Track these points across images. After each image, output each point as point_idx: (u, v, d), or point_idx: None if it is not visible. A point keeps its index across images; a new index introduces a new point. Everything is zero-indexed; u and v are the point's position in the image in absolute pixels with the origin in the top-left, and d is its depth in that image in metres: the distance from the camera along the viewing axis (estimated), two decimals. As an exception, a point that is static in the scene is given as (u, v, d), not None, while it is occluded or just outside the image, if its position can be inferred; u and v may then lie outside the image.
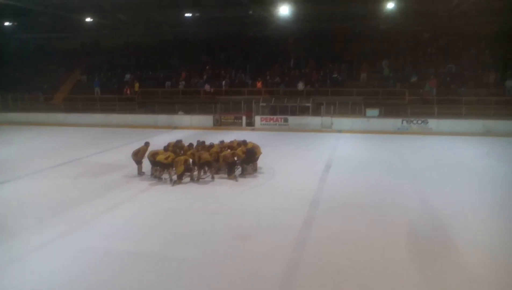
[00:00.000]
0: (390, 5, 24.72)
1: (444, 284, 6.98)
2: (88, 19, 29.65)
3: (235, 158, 13.88)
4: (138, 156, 14.03)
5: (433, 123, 23.72)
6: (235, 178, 13.53)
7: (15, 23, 34.11)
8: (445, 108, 24.65)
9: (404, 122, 24.08)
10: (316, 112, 26.46)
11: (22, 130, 27.38)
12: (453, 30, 29.31)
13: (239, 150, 14.05)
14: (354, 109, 26.15)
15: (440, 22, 29.01)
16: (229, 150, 14.28)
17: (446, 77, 27.20)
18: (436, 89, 26.23)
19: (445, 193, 11.90)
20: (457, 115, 24.10)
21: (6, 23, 33.80)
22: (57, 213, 10.53)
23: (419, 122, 23.86)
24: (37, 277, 7.26)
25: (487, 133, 22.32)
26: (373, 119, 24.93)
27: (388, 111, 25.56)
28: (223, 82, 30.33)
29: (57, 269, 7.53)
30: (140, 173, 14.13)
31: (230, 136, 18.58)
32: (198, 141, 15.14)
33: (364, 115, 25.49)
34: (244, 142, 14.76)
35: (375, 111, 25.43)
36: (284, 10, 25.40)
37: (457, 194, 11.91)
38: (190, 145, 14.95)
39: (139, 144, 14.78)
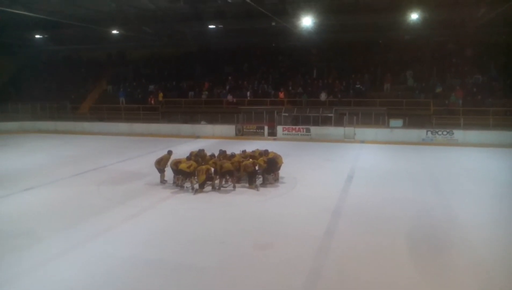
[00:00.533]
0: (414, 16, 24.46)
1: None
2: (114, 31, 30.38)
3: (256, 168, 13.88)
4: (161, 164, 14.18)
5: (459, 134, 23.21)
6: (256, 187, 13.51)
7: (45, 36, 35.24)
8: (471, 119, 24.13)
9: (429, 133, 23.64)
10: (339, 122, 26.28)
11: (49, 138, 28.13)
12: (479, 40, 28.77)
13: (260, 160, 14.05)
14: (378, 119, 25.86)
15: (466, 32, 28.51)
16: (250, 160, 14.29)
17: (473, 88, 26.66)
18: (462, 100, 25.72)
19: (470, 206, 11.57)
20: (484, 126, 23.53)
21: (36, 36, 34.95)
22: (80, 219, 10.71)
23: (444, 133, 23.39)
24: (60, 283, 7.36)
25: (516, 145, 21.70)
26: (396, 130, 24.59)
27: (412, 121, 25.18)
28: (248, 93, 30.46)
29: (79, 275, 7.62)
30: (163, 181, 14.26)
31: (252, 145, 18.60)
32: (220, 151, 15.20)
33: (388, 126, 25.16)
34: (265, 152, 14.76)
35: (399, 122, 25.07)
36: (306, 22, 25.44)
37: (483, 207, 11.57)
38: (212, 155, 15.00)
39: (162, 152, 14.92)
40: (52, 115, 33.66)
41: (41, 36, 35.30)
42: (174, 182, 13.93)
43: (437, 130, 23.61)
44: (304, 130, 26.20)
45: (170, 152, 14.48)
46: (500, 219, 10.61)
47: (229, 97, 30.50)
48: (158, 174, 14.30)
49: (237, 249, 8.76)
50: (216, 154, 14.99)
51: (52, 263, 8.14)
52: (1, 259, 8.33)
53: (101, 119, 31.69)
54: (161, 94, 32.38)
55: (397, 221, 10.39)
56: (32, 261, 8.22)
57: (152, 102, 32.15)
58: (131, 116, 31.58)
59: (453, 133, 23.27)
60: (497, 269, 7.78)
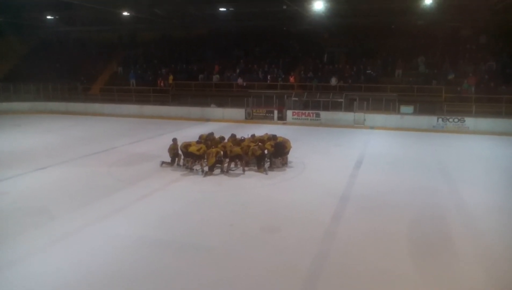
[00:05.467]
0: (428, 1, 24.04)
1: (473, 281, 6.85)
2: (125, 13, 30.30)
3: (265, 151, 13.97)
4: (171, 153, 14.27)
5: (470, 121, 23.00)
6: (264, 171, 13.62)
7: (56, 17, 35.26)
8: (483, 106, 23.84)
9: (440, 120, 23.46)
10: (349, 108, 26.16)
11: (61, 119, 28.44)
12: (494, 27, 28.22)
13: (267, 144, 14.15)
14: (388, 105, 25.65)
15: (480, 18, 27.98)
16: (259, 144, 14.38)
17: (486, 75, 26.30)
18: (475, 87, 25.41)
19: (479, 194, 11.56)
20: (496, 114, 23.25)
21: (48, 17, 34.99)
22: (92, 199, 10.93)
23: (456, 120, 23.19)
24: (72, 260, 7.59)
25: (527, 133, 21.47)
26: (407, 116, 24.42)
27: (423, 108, 24.94)
28: (268, 77, 30.22)
29: (90, 253, 7.84)
30: (178, 164, 14.33)
31: (261, 130, 18.66)
32: (232, 135, 15.27)
33: (398, 112, 25.00)
34: (274, 137, 14.82)
35: (410, 108, 24.87)
36: (318, 5, 25.13)
37: (492, 195, 11.54)
38: (221, 138, 15.14)
39: (172, 135, 15.09)
40: (63, 96, 33.89)
41: (52, 17, 35.26)
42: (184, 165, 14.08)
43: (448, 117, 23.41)
44: (314, 115, 26.14)
45: (174, 140, 14.47)
46: (509, 207, 10.61)
47: (239, 81, 30.45)
48: (168, 156, 14.39)
49: (245, 231, 8.92)
50: (226, 137, 15.09)
51: (65, 241, 8.38)
52: (16, 236, 8.60)
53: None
54: (171, 77, 32.40)
55: (405, 208, 10.45)
56: (46, 239, 8.46)
57: (162, 84, 32.22)
58: (141, 98, 31.70)
59: (464, 121, 23.06)
60: (505, 257, 7.83)
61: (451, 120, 23.29)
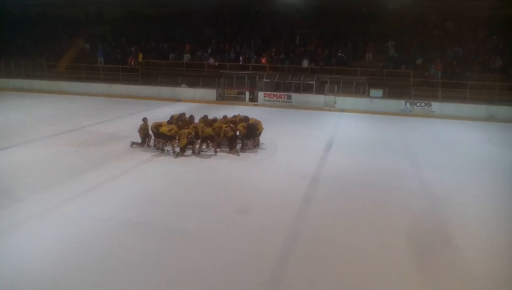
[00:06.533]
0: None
1: (436, 260, 7.14)
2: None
3: (237, 133, 13.95)
4: (141, 133, 14.01)
5: (436, 106, 23.65)
6: (236, 152, 13.62)
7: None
8: (449, 91, 24.50)
9: (408, 104, 24.01)
10: (320, 90, 26.34)
11: (24, 96, 27.39)
12: (461, 13, 28.84)
13: (239, 125, 14.13)
14: (358, 89, 26.01)
15: (448, 5, 28.54)
16: (231, 125, 14.33)
17: (452, 61, 26.97)
18: (442, 73, 26.04)
19: (443, 176, 11.97)
20: (461, 99, 23.94)
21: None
22: (59, 180, 10.66)
23: (423, 104, 23.78)
24: (38, 243, 7.40)
25: (490, 118, 22.24)
26: (376, 100, 24.83)
27: (392, 92, 25.43)
28: (241, 58, 29.87)
29: (58, 236, 7.68)
30: (148, 145, 14.10)
31: (233, 111, 18.57)
32: (204, 116, 15.12)
33: (368, 95, 25.38)
34: (246, 118, 14.80)
35: (379, 92, 25.30)
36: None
37: (455, 177, 11.99)
38: (191, 117, 15.02)
39: (142, 115, 14.83)
40: (27, 72, 32.60)
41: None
42: (154, 145, 13.90)
43: (415, 102, 23.98)
44: (285, 96, 26.21)
45: (144, 120, 14.21)
46: (472, 188, 11.07)
47: (211, 61, 30.07)
48: (139, 137, 14.14)
49: (217, 213, 8.94)
50: (197, 117, 14.96)
51: (31, 222, 8.16)
52: (-21, 217, 8.29)
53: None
54: (140, 55, 31.61)
55: (373, 188, 10.74)
56: (11, 220, 8.22)
57: (132, 63, 31.43)
58: (110, 76, 30.81)
59: (431, 105, 23.69)
60: (467, 232, 8.19)
61: (418, 104, 23.86)
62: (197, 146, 13.59)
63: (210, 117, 15.03)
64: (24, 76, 32.06)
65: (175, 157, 12.98)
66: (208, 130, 13.45)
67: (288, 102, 26.07)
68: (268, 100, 26.37)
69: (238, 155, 13.49)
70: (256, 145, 14.54)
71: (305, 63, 28.26)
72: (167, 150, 13.53)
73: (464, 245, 7.81)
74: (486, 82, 24.45)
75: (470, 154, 14.94)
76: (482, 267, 7.07)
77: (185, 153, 13.23)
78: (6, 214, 8.51)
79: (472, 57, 26.75)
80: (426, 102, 23.81)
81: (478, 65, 26.18)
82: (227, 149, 13.87)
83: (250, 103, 26.57)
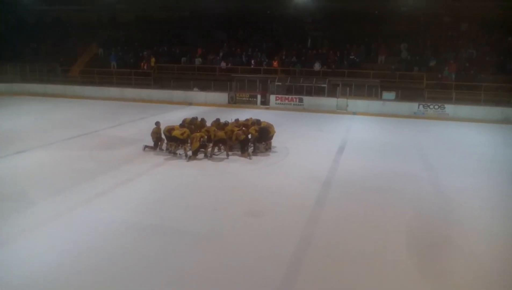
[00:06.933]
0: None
1: (450, 264, 7.05)
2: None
3: (249, 136, 13.96)
4: (153, 136, 14.11)
5: (450, 108, 23.38)
6: (248, 156, 13.62)
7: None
8: (463, 94, 24.23)
9: (421, 106, 23.78)
10: (332, 93, 26.28)
11: (39, 101, 27.81)
12: (475, 15, 28.56)
13: (251, 129, 14.14)
14: (370, 91, 25.88)
15: (462, 6, 28.27)
16: (243, 128, 14.35)
17: (466, 62, 26.67)
18: (455, 74, 25.76)
19: (457, 180, 11.81)
20: (475, 101, 23.66)
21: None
22: (73, 183, 10.76)
23: (436, 107, 23.54)
24: (53, 245, 7.49)
25: (505, 120, 21.93)
26: (389, 102, 24.67)
27: (405, 95, 25.25)
28: (252, 61, 29.92)
29: (72, 238, 7.74)
30: (161, 148, 14.19)
31: (244, 114, 18.62)
32: (216, 119, 15.17)
33: (380, 98, 25.22)
34: (258, 121, 14.81)
35: (392, 94, 25.14)
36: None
37: (469, 180, 11.83)
38: (203, 120, 15.08)
39: (155, 118, 14.94)
40: (41, 77, 33.10)
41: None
42: (167, 149, 13.98)
43: (429, 104, 23.75)
44: (297, 100, 26.18)
45: (157, 123, 14.31)
46: (486, 192, 10.90)
47: (223, 64, 30.19)
48: (151, 140, 14.22)
49: (229, 216, 8.94)
50: (208, 121, 15.02)
51: (46, 226, 8.25)
52: (-5, 220, 8.42)
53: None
54: (153, 59, 31.90)
55: (386, 192, 10.64)
56: (26, 223, 8.31)
57: (145, 67, 31.72)
58: (123, 80, 31.18)
59: (444, 108, 23.44)
60: (480, 236, 8.06)
61: (431, 106, 23.63)
62: (209, 149, 13.63)
63: (222, 120, 15.07)
64: (39, 81, 32.55)
65: (188, 161, 13.03)
66: (220, 134, 13.49)
67: (300, 105, 26.03)
68: (280, 103, 26.36)
69: (250, 159, 13.49)
70: (268, 148, 14.54)
71: (317, 66, 28.20)
72: (180, 154, 13.60)
73: (478, 249, 7.69)
74: (501, 84, 24.11)
75: (485, 157, 14.73)
76: (497, 271, 6.96)
77: (197, 157, 13.27)
78: (21, 218, 8.61)
79: (487, 59, 26.41)
80: (439, 104, 23.57)
81: (492, 67, 25.84)
82: (239, 153, 13.89)
83: (261, 106, 26.60)
